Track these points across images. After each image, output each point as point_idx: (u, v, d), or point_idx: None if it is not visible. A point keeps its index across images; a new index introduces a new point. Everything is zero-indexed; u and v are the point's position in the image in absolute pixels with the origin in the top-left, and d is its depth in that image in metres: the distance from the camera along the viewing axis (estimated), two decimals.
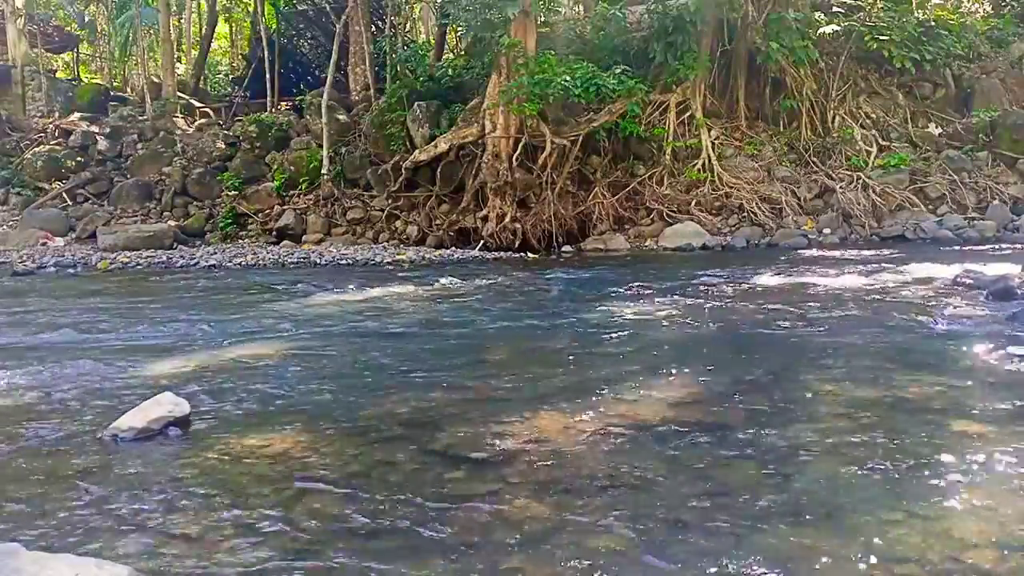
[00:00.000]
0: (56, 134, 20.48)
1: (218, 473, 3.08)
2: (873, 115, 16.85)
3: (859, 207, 14.96)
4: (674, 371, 4.62)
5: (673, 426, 3.54)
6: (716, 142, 16.15)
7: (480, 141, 15.18)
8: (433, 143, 15.81)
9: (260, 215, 17.05)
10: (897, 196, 15.18)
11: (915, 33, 16.61)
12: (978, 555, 2.26)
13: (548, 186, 14.95)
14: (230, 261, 13.81)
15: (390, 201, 16.42)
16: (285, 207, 17.06)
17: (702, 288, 8.42)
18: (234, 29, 32.24)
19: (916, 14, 17.40)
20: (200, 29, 28.90)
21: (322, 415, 3.87)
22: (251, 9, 27.03)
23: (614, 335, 6.08)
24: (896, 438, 3.26)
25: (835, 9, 17.49)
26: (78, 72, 29.89)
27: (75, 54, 30.15)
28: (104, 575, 2.03)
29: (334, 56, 18.77)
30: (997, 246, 12.29)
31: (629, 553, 2.34)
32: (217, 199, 17.70)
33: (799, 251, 12.98)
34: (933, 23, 17.10)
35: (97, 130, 20.46)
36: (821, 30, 16.44)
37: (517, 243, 14.63)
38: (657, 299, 7.73)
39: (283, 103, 22.09)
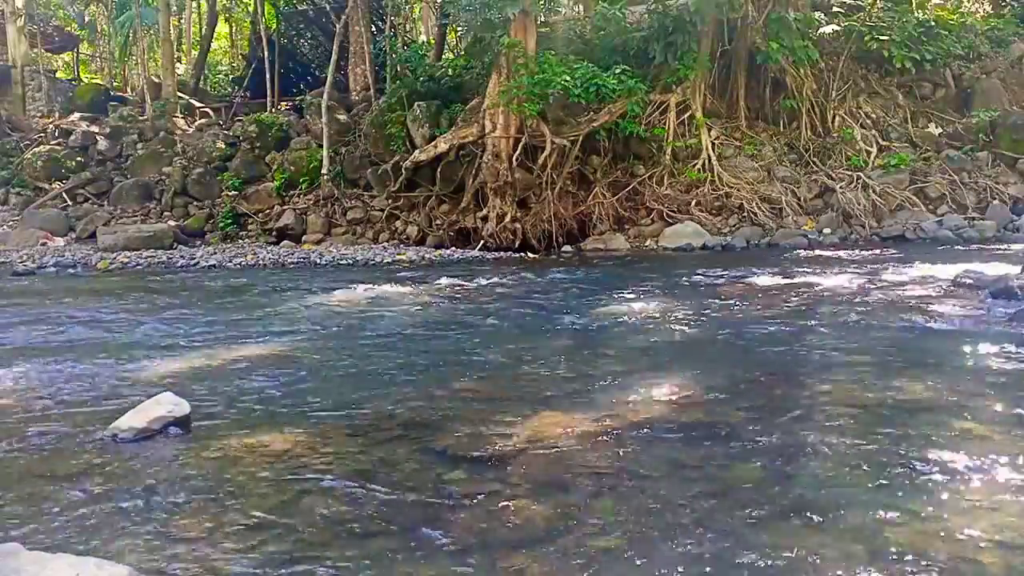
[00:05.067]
0: (56, 134, 20.46)
1: (218, 473, 3.08)
2: (873, 115, 16.84)
3: (859, 207, 14.95)
4: (674, 371, 4.62)
5: (673, 426, 3.54)
6: (716, 142, 16.13)
7: (480, 141, 15.17)
8: (433, 143, 15.80)
9: (260, 215, 17.04)
10: (897, 196, 15.17)
11: (915, 33, 16.59)
12: (978, 555, 2.26)
13: (548, 186, 14.94)
14: (230, 261, 13.81)
15: (390, 201, 16.40)
16: (285, 207, 17.05)
17: (702, 288, 8.42)
18: (234, 29, 32.21)
19: (916, 14, 17.38)
20: (200, 29, 28.86)
21: (322, 415, 3.88)
22: (251, 9, 27.01)
23: (614, 335, 6.08)
24: (896, 438, 3.26)
25: (835, 9, 17.48)
26: (78, 72, 29.87)
27: (75, 54, 30.12)
28: (104, 575, 2.03)
29: (334, 56, 18.76)
30: (997, 246, 12.29)
31: (629, 553, 2.34)
32: (217, 199, 17.68)
33: (799, 251, 12.98)
34: (933, 23, 17.07)
35: (97, 130, 20.43)
36: (821, 30, 16.43)
37: (517, 243, 14.62)
38: (657, 299, 7.74)
39: (283, 103, 22.06)
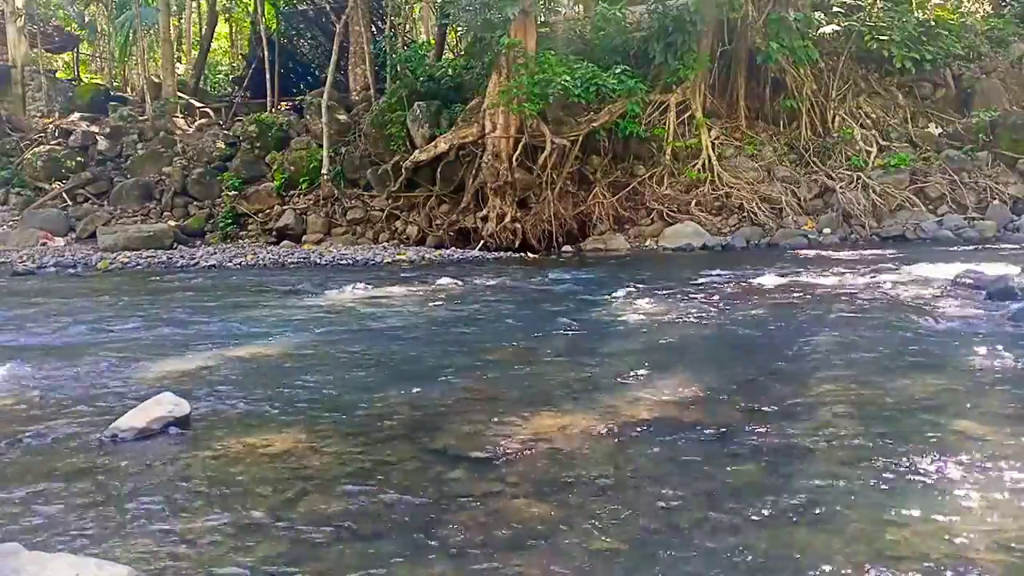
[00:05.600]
0: (56, 134, 20.46)
1: (218, 473, 3.08)
2: (873, 115, 16.84)
3: (859, 207, 14.95)
4: (674, 371, 4.62)
5: (673, 426, 3.54)
6: (716, 142, 16.14)
7: (480, 141, 15.17)
8: (433, 143, 15.80)
9: (260, 215, 17.03)
10: (897, 196, 15.17)
11: (915, 33, 16.60)
12: (978, 555, 2.26)
13: (548, 186, 14.94)
14: (230, 261, 13.81)
15: (390, 201, 16.40)
16: (285, 207, 17.04)
17: (702, 288, 8.42)
18: (234, 29, 32.20)
19: (916, 14, 17.38)
20: (200, 29, 28.86)
21: (322, 415, 3.87)
22: (251, 9, 27.00)
23: (614, 335, 6.08)
24: (896, 438, 3.26)
25: (835, 9, 17.48)
26: (78, 72, 29.85)
27: (75, 54, 30.10)
28: (104, 575, 2.03)
29: (334, 56, 18.76)
30: (997, 246, 12.29)
31: (629, 553, 2.34)
32: (217, 199, 17.68)
33: (799, 251, 12.98)
34: (933, 23, 17.08)
35: (97, 130, 20.43)
36: (821, 30, 16.43)
37: (517, 243, 14.62)
38: (657, 299, 7.73)
39: (283, 103, 22.06)
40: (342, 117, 18.42)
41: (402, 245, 15.55)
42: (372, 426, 3.70)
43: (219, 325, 6.84)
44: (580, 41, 17.02)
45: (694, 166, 15.75)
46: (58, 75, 26.78)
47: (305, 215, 16.82)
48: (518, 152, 14.70)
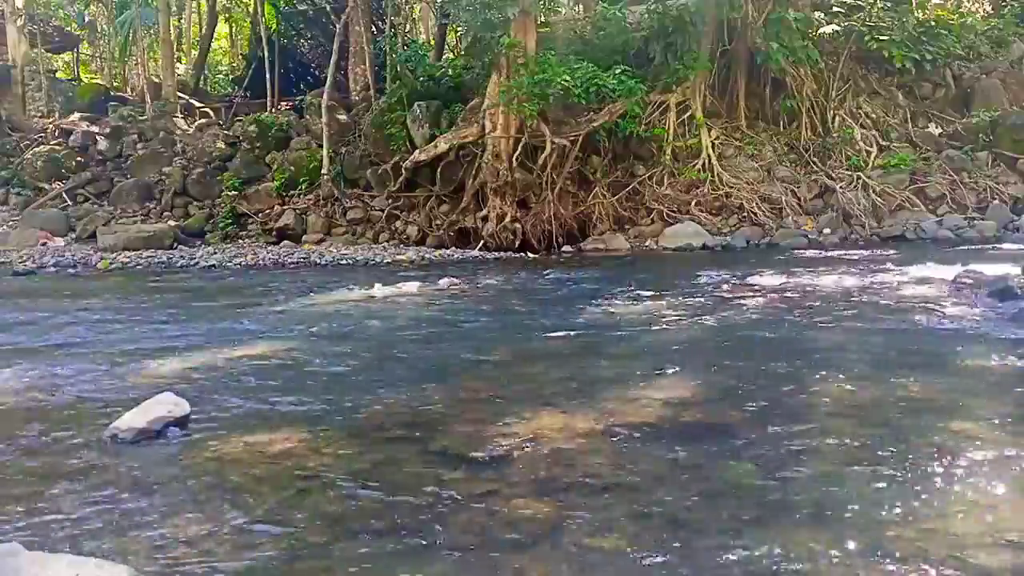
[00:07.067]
0: (56, 134, 20.45)
1: (218, 473, 3.08)
2: (873, 115, 16.84)
3: (859, 207, 14.95)
4: (674, 371, 4.62)
5: (673, 426, 3.54)
6: (716, 142, 16.13)
7: (480, 141, 15.16)
8: (433, 143, 15.79)
9: (260, 215, 17.02)
10: (897, 196, 15.18)
11: (915, 33, 16.60)
12: (978, 555, 2.26)
13: (548, 186, 14.93)
14: (230, 261, 13.80)
15: (390, 201, 16.39)
16: (285, 207, 17.03)
17: (702, 288, 8.42)
18: (234, 29, 32.19)
19: (916, 14, 17.39)
20: (200, 29, 28.87)
21: (322, 415, 3.87)
22: (251, 9, 26.99)
23: (614, 335, 6.08)
24: (896, 438, 3.26)
25: (835, 9, 17.48)
26: (78, 72, 29.85)
27: (75, 54, 30.11)
28: (104, 575, 2.03)
29: (334, 56, 18.74)
30: (997, 246, 12.29)
31: (629, 553, 2.34)
32: (217, 199, 17.66)
33: (799, 251, 12.98)
34: (933, 23, 17.09)
35: (97, 130, 20.42)
36: (821, 30, 16.43)
37: (517, 243, 14.61)
38: (657, 299, 7.74)
39: (283, 103, 22.06)
40: (342, 117, 18.41)
41: (402, 245, 15.54)
42: (372, 426, 3.70)
43: (219, 325, 6.84)
44: (580, 41, 17.01)
45: (694, 166, 15.75)
46: (58, 75, 26.78)
47: (305, 215, 16.81)
48: (518, 152, 14.70)
